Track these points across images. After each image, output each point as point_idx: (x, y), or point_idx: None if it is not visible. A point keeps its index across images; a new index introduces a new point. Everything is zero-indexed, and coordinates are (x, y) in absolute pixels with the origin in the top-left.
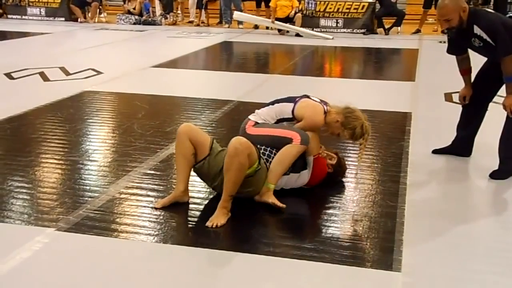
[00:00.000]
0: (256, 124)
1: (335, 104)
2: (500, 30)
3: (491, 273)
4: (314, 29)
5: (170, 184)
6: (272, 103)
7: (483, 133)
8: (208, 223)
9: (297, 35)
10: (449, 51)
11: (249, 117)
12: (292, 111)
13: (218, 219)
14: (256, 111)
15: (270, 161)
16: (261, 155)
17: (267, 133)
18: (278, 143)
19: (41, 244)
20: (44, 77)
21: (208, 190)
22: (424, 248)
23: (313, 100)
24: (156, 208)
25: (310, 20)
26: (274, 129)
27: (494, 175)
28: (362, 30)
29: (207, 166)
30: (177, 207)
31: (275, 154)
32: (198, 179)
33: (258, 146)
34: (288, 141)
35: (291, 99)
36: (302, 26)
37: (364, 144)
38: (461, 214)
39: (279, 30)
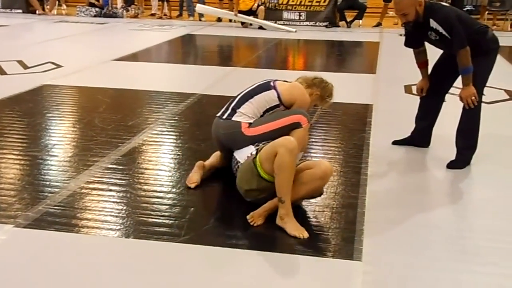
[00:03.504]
0: (251, 124)
1: (298, 78)
2: (455, 24)
3: (449, 259)
4: (277, 22)
5: (132, 178)
6: (245, 98)
7: (441, 125)
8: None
9: (260, 28)
10: (407, 44)
11: (235, 119)
12: (279, 98)
13: (298, 229)
14: (238, 110)
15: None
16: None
17: (272, 127)
18: (286, 132)
19: None
20: (1, 71)
21: (171, 183)
22: (384, 237)
23: (284, 81)
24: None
25: (273, 13)
26: (276, 120)
27: (452, 165)
28: (325, 23)
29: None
30: (139, 201)
31: None
32: (161, 172)
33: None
34: (297, 125)
35: (265, 87)
36: (265, 19)
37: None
38: (420, 204)
39: (242, 23)
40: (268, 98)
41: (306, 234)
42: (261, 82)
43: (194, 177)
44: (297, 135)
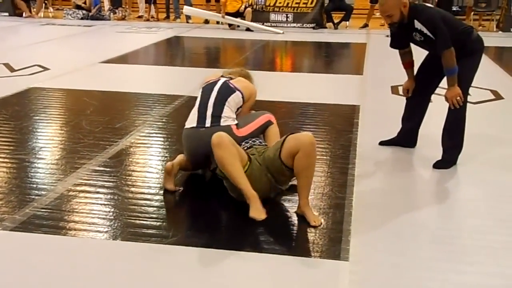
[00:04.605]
0: (238, 125)
1: (230, 74)
2: (440, 25)
3: (435, 259)
4: (265, 23)
5: (120, 181)
6: (221, 103)
7: (427, 125)
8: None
9: (248, 29)
10: (392, 45)
11: (224, 124)
12: (243, 98)
13: (257, 210)
14: (222, 115)
15: (255, 146)
16: (252, 145)
17: (255, 126)
18: (263, 130)
19: None
20: None
21: (158, 185)
22: (371, 237)
23: (233, 80)
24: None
25: (260, 15)
26: (255, 121)
27: (438, 165)
28: (312, 25)
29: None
30: (126, 203)
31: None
32: (148, 174)
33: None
34: (269, 123)
35: (229, 90)
36: (252, 20)
37: None
38: (406, 204)
39: (230, 25)
40: (237, 99)
41: (263, 216)
42: (220, 85)
43: (168, 187)
44: (273, 130)
